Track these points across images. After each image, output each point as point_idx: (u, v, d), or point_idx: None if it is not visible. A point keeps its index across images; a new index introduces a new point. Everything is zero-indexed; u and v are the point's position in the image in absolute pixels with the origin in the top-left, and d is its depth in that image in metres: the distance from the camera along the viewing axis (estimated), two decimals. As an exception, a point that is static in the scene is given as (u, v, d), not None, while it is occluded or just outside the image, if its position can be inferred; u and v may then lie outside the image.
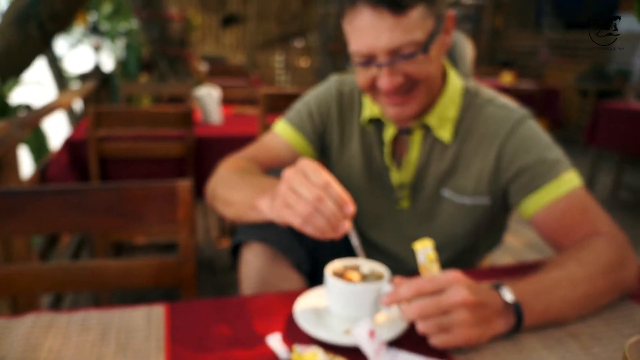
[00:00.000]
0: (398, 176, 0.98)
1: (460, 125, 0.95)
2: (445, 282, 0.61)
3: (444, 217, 0.97)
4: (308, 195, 0.64)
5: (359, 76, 0.88)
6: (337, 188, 0.65)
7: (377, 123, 1.00)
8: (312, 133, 1.04)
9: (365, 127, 1.01)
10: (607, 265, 0.74)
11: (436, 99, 0.93)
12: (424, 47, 0.81)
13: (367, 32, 0.80)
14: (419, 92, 0.87)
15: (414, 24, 0.80)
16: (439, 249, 0.69)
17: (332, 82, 1.06)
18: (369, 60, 0.83)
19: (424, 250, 0.66)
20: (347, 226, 0.66)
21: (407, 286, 0.62)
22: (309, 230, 0.66)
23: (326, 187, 0.64)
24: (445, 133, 0.94)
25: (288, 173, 0.67)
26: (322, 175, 0.65)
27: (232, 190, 0.85)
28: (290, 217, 0.66)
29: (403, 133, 0.96)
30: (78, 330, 0.66)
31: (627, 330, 0.68)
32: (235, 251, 0.94)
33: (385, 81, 0.83)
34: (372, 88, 0.88)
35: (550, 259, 0.77)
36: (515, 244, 3.03)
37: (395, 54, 0.81)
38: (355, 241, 0.70)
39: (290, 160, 1.03)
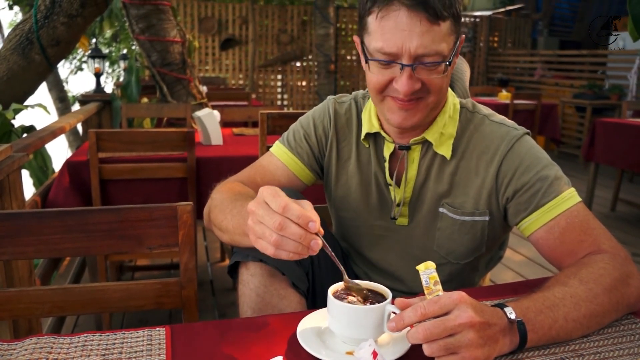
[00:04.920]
0: (397, 193, 0.99)
1: (459, 142, 0.95)
2: (450, 303, 0.61)
3: (443, 234, 0.97)
4: (271, 224, 0.64)
5: (375, 75, 0.87)
6: (296, 209, 0.64)
7: (376, 140, 1.01)
8: (308, 155, 1.05)
9: (364, 144, 1.02)
10: (610, 283, 0.74)
11: (436, 116, 0.94)
12: (449, 59, 0.84)
13: (399, 32, 0.80)
14: (427, 102, 0.88)
15: (443, 36, 0.82)
16: (438, 266, 0.69)
17: (329, 102, 1.07)
18: (392, 60, 0.83)
19: (427, 272, 0.66)
20: (319, 242, 0.66)
21: (413, 311, 0.61)
22: (284, 255, 0.66)
23: (285, 211, 0.64)
24: (445, 149, 0.95)
25: (251, 206, 0.68)
26: (279, 200, 0.65)
27: (225, 217, 0.86)
28: (263, 248, 0.67)
29: (402, 149, 0.97)
30: (79, 353, 0.65)
31: (634, 348, 0.67)
32: (234, 271, 0.93)
33: (403, 83, 0.83)
34: (383, 90, 0.88)
35: (553, 277, 0.77)
36: (515, 259, 3.02)
37: (420, 60, 0.82)
38: (330, 254, 0.70)
39: (287, 181, 1.03)
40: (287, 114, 1.92)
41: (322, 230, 0.66)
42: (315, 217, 0.65)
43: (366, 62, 0.87)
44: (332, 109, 1.05)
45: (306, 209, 0.66)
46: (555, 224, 0.85)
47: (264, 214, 0.65)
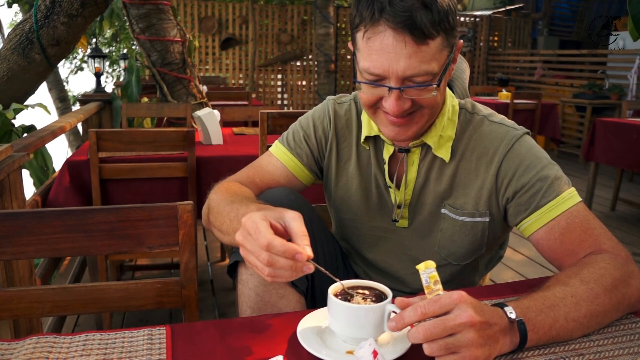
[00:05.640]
0: (397, 195, 0.99)
1: (458, 143, 0.95)
2: (450, 303, 0.61)
3: (443, 235, 0.97)
4: (260, 260, 0.66)
5: (365, 93, 0.87)
6: (279, 245, 0.65)
7: (375, 142, 1.01)
8: (308, 156, 1.05)
9: (364, 146, 1.02)
10: (611, 283, 0.74)
11: (434, 120, 0.94)
12: (438, 80, 0.82)
13: (384, 54, 0.79)
14: (421, 116, 0.87)
15: (432, 55, 0.80)
16: (439, 267, 0.69)
17: (328, 103, 1.06)
18: (379, 80, 0.83)
19: (427, 271, 0.66)
20: (311, 267, 0.67)
21: (413, 310, 0.61)
22: (281, 281, 0.68)
23: (269, 249, 0.65)
24: (444, 152, 0.95)
25: (238, 237, 0.69)
26: (261, 238, 0.66)
27: (224, 220, 0.85)
28: (261, 275, 0.68)
29: (401, 152, 0.97)
30: (80, 353, 0.65)
31: (634, 348, 0.67)
32: (233, 271, 0.94)
33: (392, 104, 0.83)
34: (374, 106, 0.88)
35: (553, 277, 0.77)
36: (515, 259, 3.02)
37: (408, 81, 0.81)
38: (324, 272, 0.70)
39: (285, 182, 1.03)
40: (287, 114, 1.93)
41: (311, 255, 0.66)
42: (301, 244, 0.66)
43: (354, 82, 0.87)
44: (332, 110, 1.05)
45: (293, 228, 0.68)
46: (556, 224, 0.85)
47: (252, 248, 0.67)
